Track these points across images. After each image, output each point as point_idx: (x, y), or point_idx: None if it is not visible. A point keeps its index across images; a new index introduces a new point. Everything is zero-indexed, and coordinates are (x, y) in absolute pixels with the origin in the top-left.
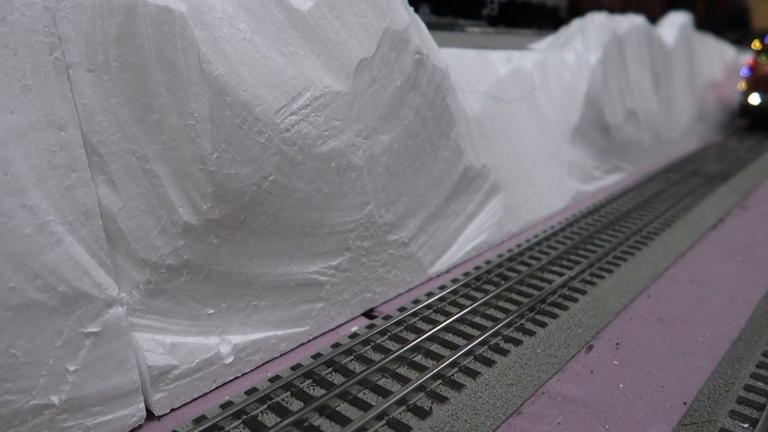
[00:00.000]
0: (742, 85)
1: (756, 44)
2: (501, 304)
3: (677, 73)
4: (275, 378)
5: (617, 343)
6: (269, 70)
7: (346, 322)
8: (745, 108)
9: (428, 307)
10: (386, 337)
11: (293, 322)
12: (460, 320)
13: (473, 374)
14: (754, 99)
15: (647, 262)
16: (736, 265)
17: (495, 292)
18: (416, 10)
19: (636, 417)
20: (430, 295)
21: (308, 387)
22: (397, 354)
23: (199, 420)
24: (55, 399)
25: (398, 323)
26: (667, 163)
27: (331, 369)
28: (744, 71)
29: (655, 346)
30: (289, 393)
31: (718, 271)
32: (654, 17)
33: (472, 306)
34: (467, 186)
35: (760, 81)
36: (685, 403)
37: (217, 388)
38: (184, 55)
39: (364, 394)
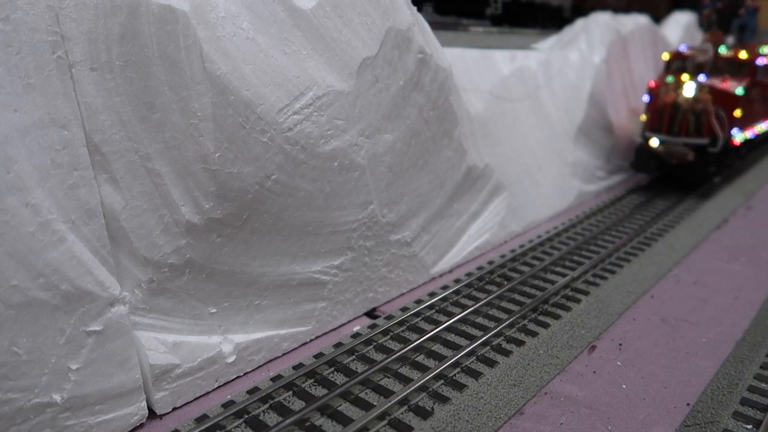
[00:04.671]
0: (642, 117)
1: (666, 55)
2: (503, 304)
3: None
4: (277, 377)
5: (620, 344)
6: (272, 69)
7: (349, 321)
8: (643, 153)
9: (430, 307)
10: (388, 337)
11: (295, 321)
12: (462, 320)
13: (475, 375)
14: (654, 141)
15: (651, 262)
16: (740, 265)
17: (497, 293)
18: (419, 10)
19: (639, 418)
20: (432, 295)
21: (310, 386)
22: (399, 354)
23: (201, 419)
24: (57, 397)
25: (400, 323)
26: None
27: (333, 369)
28: (645, 97)
29: (658, 347)
30: (290, 392)
31: (722, 272)
32: (658, 16)
33: (475, 306)
34: (470, 186)
35: (662, 114)
36: (688, 404)
37: (219, 387)
38: (187, 54)
39: (366, 394)
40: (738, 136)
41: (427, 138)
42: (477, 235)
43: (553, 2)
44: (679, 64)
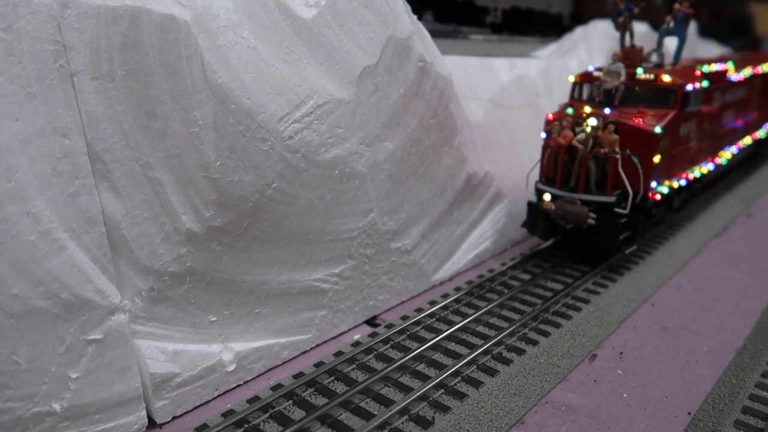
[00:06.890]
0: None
1: (572, 78)
2: (504, 313)
3: None
4: (277, 386)
5: (621, 353)
6: (273, 77)
7: (349, 329)
8: (535, 211)
9: (431, 315)
10: (389, 345)
11: (296, 329)
12: (462, 329)
13: (476, 384)
14: (547, 195)
15: (651, 270)
16: (741, 273)
17: (498, 301)
18: (419, 18)
19: (640, 427)
20: (432, 303)
21: (310, 396)
22: (399, 363)
23: (200, 428)
24: (56, 406)
25: (401, 331)
26: None
27: (333, 377)
28: (542, 134)
29: (659, 356)
30: (291, 401)
31: (722, 280)
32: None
33: (475, 315)
34: (470, 193)
35: (556, 161)
36: (689, 413)
37: (219, 395)
38: (188, 62)
39: (366, 403)
40: (661, 189)
41: (427, 146)
42: (477, 243)
43: (553, 10)
44: (591, 89)
